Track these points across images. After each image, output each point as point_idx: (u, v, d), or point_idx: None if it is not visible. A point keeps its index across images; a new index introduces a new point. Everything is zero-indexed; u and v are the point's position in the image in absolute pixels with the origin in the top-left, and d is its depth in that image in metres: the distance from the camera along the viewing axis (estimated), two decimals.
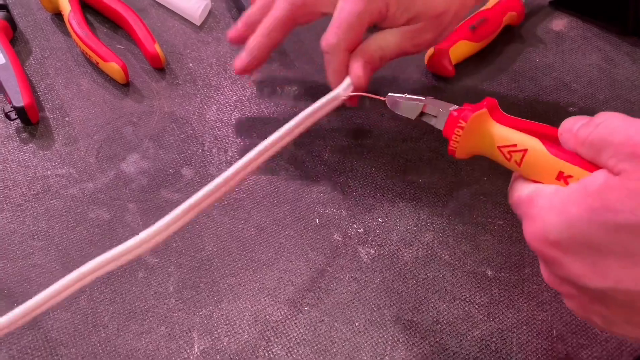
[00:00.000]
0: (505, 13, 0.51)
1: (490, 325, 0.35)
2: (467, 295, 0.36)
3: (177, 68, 0.47)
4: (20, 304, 0.33)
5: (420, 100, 0.34)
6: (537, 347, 0.35)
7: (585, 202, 0.23)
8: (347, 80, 0.37)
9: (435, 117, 0.32)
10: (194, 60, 0.47)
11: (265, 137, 0.40)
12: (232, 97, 0.45)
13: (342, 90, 0.37)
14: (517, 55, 0.51)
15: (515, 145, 0.28)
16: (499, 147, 0.29)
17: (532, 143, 0.28)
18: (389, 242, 0.38)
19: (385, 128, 0.44)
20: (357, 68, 0.37)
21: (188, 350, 0.33)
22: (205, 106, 0.44)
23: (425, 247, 0.38)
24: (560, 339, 0.35)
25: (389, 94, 0.35)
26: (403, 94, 0.35)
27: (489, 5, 0.51)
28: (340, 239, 0.38)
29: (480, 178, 0.42)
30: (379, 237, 0.38)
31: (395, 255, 0.38)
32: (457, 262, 0.38)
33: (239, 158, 0.35)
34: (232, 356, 0.33)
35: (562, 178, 0.26)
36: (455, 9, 0.37)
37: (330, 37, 0.37)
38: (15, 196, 0.38)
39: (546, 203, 0.25)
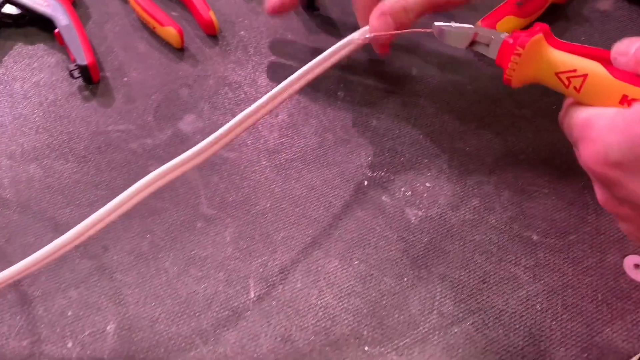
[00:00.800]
0: None
1: (535, 287, 0.36)
2: (513, 258, 0.37)
3: (229, 35, 0.48)
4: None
5: (469, 28, 0.33)
6: (582, 309, 0.35)
7: None
8: (366, 27, 0.38)
9: (487, 45, 0.31)
10: (245, 28, 0.49)
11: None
12: (282, 64, 0.46)
13: (358, 35, 0.38)
14: (562, 33, 0.51)
15: (574, 71, 0.27)
16: (557, 74, 0.28)
17: (592, 67, 0.26)
18: (436, 205, 0.39)
19: (433, 97, 0.45)
20: (372, 17, 0.37)
21: (245, 295, 0.34)
22: (256, 72, 0.46)
23: (472, 211, 0.39)
24: (605, 302, 0.36)
25: (435, 23, 0.34)
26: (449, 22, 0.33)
27: None
28: (388, 200, 0.39)
29: (525, 148, 0.43)
30: (427, 200, 0.39)
31: (442, 218, 0.39)
32: (503, 227, 0.38)
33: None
34: (286, 302, 0.34)
35: (626, 102, 0.25)
36: None
37: None
38: (79, 149, 0.40)
39: (607, 123, 0.24)
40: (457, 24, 0.33)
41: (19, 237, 0.36)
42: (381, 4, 0.38)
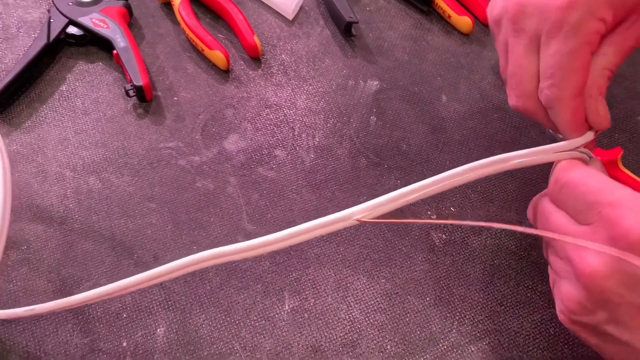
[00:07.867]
0: None
1: (550, 312, 0.39)
2: (530, 283, 0.40)
3: (271, 59, 0.52)
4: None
5: None
6: None
7: None
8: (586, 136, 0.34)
9: None
10: (286, 52, 0.52)
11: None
12: (319, 88, 0.50)
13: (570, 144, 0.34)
14: None
15: None
16: None
17: None
18: (459, 229, 0.42)
19: (461, 124, 0.48)
20: (599, 107, 0.33)
21: (280, 307, 0.38)
22: (295, 95, 0.49)
23: (494, 236, 0.42)
24: None
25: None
26: None
27: None
28: None
29: (547, 178, 0.45)
30: (451, 225, 0.42)
31: (465, 242, 0.41)
32: (522, 253, 0.41)
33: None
34: (317, 315, 0.38)
35: None
36: None
37: (547, 90, 0.32)
38: (134, 163, 0.44)
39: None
40: None
41: (79, 244, 0.40)
42: (594, 88, 0.33)
